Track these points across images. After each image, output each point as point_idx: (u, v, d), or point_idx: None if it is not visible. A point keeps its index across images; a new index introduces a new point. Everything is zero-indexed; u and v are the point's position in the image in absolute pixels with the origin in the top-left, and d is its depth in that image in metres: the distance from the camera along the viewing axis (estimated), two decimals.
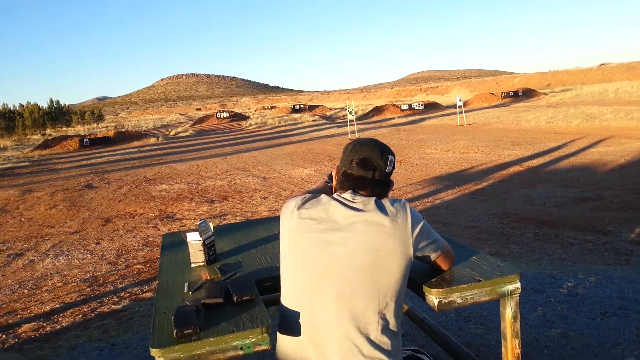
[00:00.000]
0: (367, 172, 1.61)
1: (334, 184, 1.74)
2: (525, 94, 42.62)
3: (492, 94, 44.49)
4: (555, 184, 8.75)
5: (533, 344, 2.96)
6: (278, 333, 1.58)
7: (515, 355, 1.78)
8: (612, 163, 10.28)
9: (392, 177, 1.70)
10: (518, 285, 1.75)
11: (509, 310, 1.76)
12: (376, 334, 1.46)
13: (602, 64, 71.70)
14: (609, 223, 5.98)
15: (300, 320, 1.51)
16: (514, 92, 43.51)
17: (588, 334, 3.06)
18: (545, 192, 8.17)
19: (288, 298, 1.57)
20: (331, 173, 1.83)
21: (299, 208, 1.59)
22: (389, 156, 1.66)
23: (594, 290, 3.75)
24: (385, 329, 1.48)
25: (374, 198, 1.57)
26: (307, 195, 1.64)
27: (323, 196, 1.61)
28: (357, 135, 20.48)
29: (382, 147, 1.67)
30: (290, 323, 1.54)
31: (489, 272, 1.77)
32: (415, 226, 1.53)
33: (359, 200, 1.56)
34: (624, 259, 4.73)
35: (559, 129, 17.55)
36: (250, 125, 35.01)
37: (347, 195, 1.59)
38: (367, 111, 38.51)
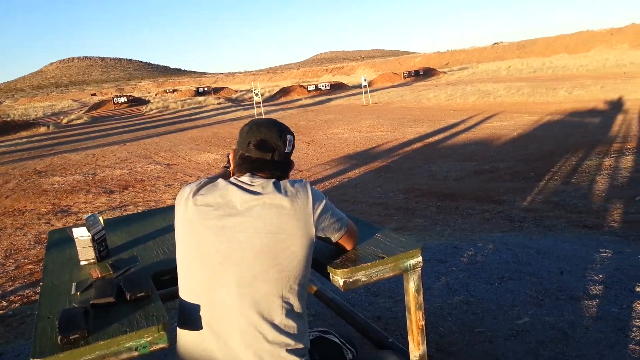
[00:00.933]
0: (265, 153, 1.56)
1: (231, 167, 1.68)
2: (425, 73, 44.58)
3: (395, 73, 46.03)
4: (455, 158, 9.25)
5: (438, 313, 3.11)
6: (177, 328, 1.51)
7: (420, 326, 1.84)
8: (505, 137, 11.05)
9: (298, 158, 1.66)
10: (420, 259, 1.80)
11: (411, 284, 1.80)
12: (281, 319, 1.43)
13: (496, 43, 76.68)
14: (503, 193, 6.42)
15: (200, 313, 1.45)
16: (415, 71, 45.39)
17: (487, 298, 3.26)
18: (446, 166, 8.60)
19: (186, 290, 1.50)
20: (229, 156, 1.77)
21: (194, 194, 1.51)
22: (288, 136, 1.62)
23: (492, 256, 4.01)
24: (290, 313, 1.45)
25: (273, 180, 1.53)
26: (203, 181, 1.57)
27: (220, 181, 1.54)
28: (264, 117, 20.31)
29: (280, 126, 1.63)
30: (189, 316, 1.47)
31: (392, 249, 1.80)
32: (316, 206, 1.51)
33: (258, 183, 1.51)
34: (517, 225, 5.10)
35: (457, 106, 18.54)
36: (151, 110, 33.48)
37: (245, 178, 1.53)
38: (274, 93, 38.31)
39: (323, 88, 37.36)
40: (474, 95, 21.18)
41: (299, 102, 29.30)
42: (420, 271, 1.81)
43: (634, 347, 2.57)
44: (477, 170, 8.11)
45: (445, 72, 46.85)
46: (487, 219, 5.48)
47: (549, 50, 62.37)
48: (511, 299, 3.22)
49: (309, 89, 37.19)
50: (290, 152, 1.63)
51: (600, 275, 3.48)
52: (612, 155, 7.73)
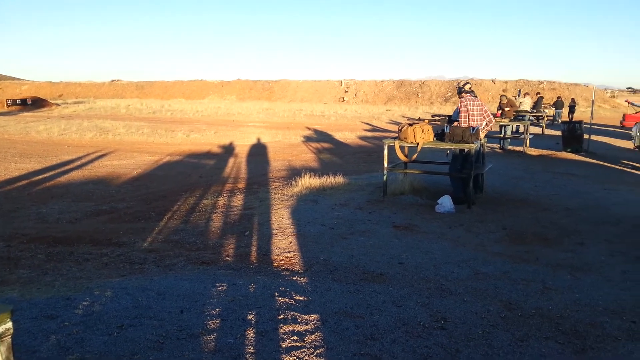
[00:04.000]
0: None
1: None
2: (35, 103, 40.83)
3: None
4: (70, 198, 8.61)
5: None
6: None
7: None
8: (125, 176, 10.98)
9: None
10: (8, 325, 1.50)
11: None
12: None
13: (114, 80, 76.57)
14: (123, 234, 6.29)
15: None
16: (22, 100, 41.07)
17: (105, 351, 3.05)
18: (59, 207, 7.90)
19: None
20: None
21: None
22: None
23: (111, 304, 3.81)
24: None
25: None
26: None
27: None
28: None
29: None
30: None
31: None
32: None
33: None
34: (138, 268, 5.04)
35: (72, 142, 17.50)
36: None
37: None
38: None
39: None
40: (91, 131, 20.45)
41: None
42: (9, 340, 1.51)
43: None
44: (96, 211, 7.75)
45: (58, 104, 43.90)
46: (105, 263, 5.23)
47: (167, 93, 66.30)
48: (131, 348, 3.10)
49: None
50: None
51: (218, 309, 3.74)
52: (225, 195, 8.63)
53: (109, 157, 13.97)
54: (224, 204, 7.96)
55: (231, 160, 13.65)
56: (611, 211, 7.41)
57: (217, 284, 4.31)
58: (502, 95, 15.74)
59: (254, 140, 18.56)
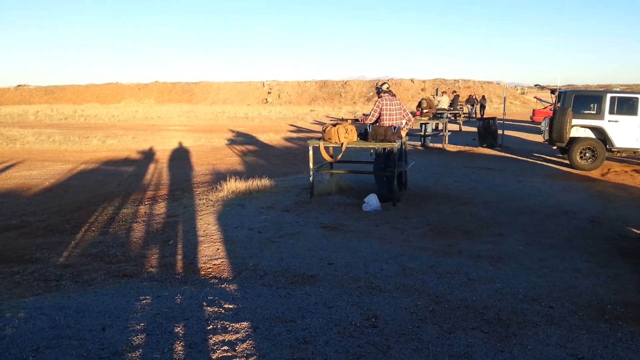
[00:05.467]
0: None
1: None
2: None
3: None
4: None
5: None
6: None
7: None
8: (37, 187, 10.35)
9: None
10: None
11: None
12: None
13: (20, 85, 71.95)
14: (36, 250, 5.92)
15: None
16: None
17: None
18: None
19: None
20: None
21: None
22: None
23: (25, 326, 3.55)
24: None
25: None
26: None
27: None
28: None
29: None
30: None
31: None
32: None
33: None
34: (54, 285, 4.75)
35: None
36: None
37: None
38: None
39: None
40: None
41: None
42: None
43: None
44: (4, 226, 7.24)
45: None
46: (17, 282, 4.89)
47: (79, 98, 63.18)
48: None
49: None
50: None
51: (142, 324, 3.59)
52: (146, 203, 8.33)
53: (18, 167, 13.10)
54: (145, 212, 7.68)
55: (152, 166, 13.20)
56: (526, 202, 7.87)
57: (141, 297, 4.14)
58: (422, 99, 16.32)
59: (175, 145, 18.07)
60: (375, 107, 7.98)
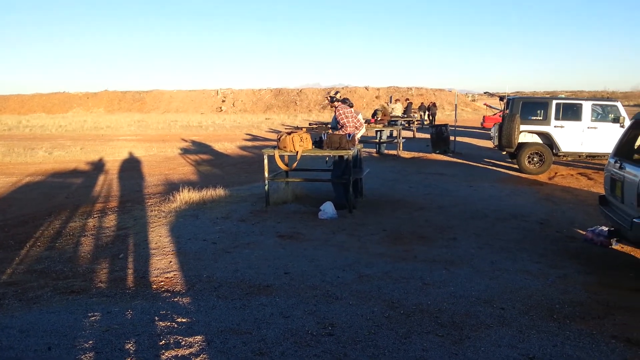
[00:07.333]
0: None
1: None
2: None
3: None
4: None
5: None
6: None
7: None
8: None
9: None
10: None
11: None
12: None
13: None
14: None
15: None
16: None
17: None
18: None
19: None
20: None
21: None
22: None
23: None
24: None
25: None
26: None
27: None
28: None
29: None
30: None
31: None
32: None
33: None
34: None
35: None
36: None
37: None
38: None
39: None
40: None
41: None
42: None
43: None
44: None
45: None
46: None
47: (24, 108, 60.95)
48: None
49: None
50: None
51: (91, 341, 3.47)
52: (95, 216, 8.08)
53: None
54: (94, 225, 7.45)
55: (101, 178, 12.83)
56: (477, 206, 8.06)
57: (90, 314, 4.00)
58: (377, 109, 16.53)
59: (126, 155, 17.63)
60: (342, 115, 7.99)
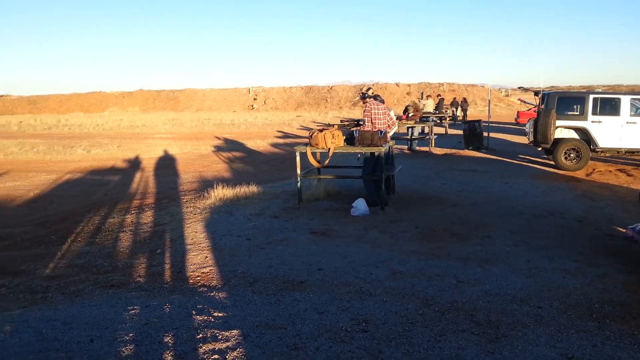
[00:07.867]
0: None
1: None
2: None
3: None
4: None
5: None
6: None
7: None
8: (21, 198, 10.23)
9: None
10: None
11: None
12: None
13: (3, 96, 71.20)
14: (22, 262, 5.84)
15: None
16: None
17: None
18: None
19: None
20: None
21: None
22: None
23: (11, 340, 3.51)
24: None
25: None
26: None
27: None
28: None
29: None
30: None
31: None
32: None
33: None
34: (40, 297, 4.69)
35: None
36: None
37: None
38: None
39: None
40: None
41: None
42: None
43: None
44: None
45: None
46: (3, 295, 4.83)
47: (63, 107, 62.62)
48: None
49: None
50: None
51: (131, 334, 3.56)
52: (133, 212, 8.27)
53: (1, 179, 12.93)
54: (132, 221, 7.62)
55: (138, 175, 13.11)
56: (512, 203, 7.93)
57: (129, 308, 4.10)
58: (409, 105, 16.40)
59: (161, 153, 17.96)
60: (366, 112, 8.04)
